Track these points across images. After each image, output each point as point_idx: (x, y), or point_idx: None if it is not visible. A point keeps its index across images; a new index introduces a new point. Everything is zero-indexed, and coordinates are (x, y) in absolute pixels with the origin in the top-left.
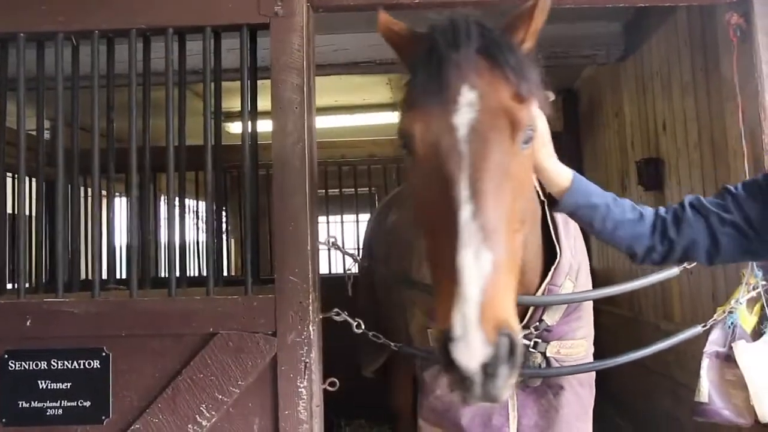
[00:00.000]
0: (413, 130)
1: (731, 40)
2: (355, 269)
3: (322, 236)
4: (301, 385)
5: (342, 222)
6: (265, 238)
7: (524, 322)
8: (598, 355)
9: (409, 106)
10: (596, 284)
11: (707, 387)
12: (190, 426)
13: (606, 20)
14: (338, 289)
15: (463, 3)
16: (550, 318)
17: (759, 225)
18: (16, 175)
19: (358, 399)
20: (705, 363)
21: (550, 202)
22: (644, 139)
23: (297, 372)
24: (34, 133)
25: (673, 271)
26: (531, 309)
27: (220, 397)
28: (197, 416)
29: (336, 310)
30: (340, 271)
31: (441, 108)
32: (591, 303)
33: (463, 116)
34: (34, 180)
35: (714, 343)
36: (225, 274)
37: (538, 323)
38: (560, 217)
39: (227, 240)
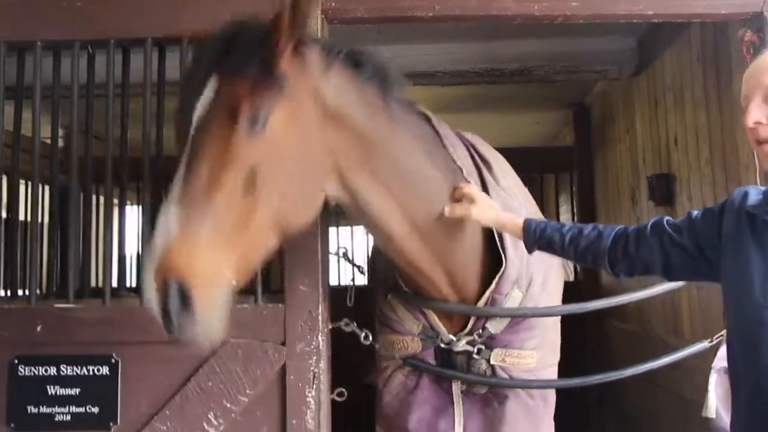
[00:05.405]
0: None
1: (744, 57)
2: (359, 281)
3: (333, 247)
4: (310, 395)
5: (352, 233)
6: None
7: (467, 329)
8: (604, 370)
9: None
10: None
11: (715, 402)
12: None
13: (620, 35)
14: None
15: (474, 17)
16: (494, 327)
17: (704, 244)
18: (29, 182)
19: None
20: (713, 378)
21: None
22: (656, 154)
23: (305, 381)
24: (48, 140)
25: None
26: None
27: (228, 405)
28: (205, 424)
29: (345, 320)
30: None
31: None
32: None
33: (199, 108)
34: (47, 187)
35: (722, 359)
36: None
37: (481, 330)
38: None
39: None
